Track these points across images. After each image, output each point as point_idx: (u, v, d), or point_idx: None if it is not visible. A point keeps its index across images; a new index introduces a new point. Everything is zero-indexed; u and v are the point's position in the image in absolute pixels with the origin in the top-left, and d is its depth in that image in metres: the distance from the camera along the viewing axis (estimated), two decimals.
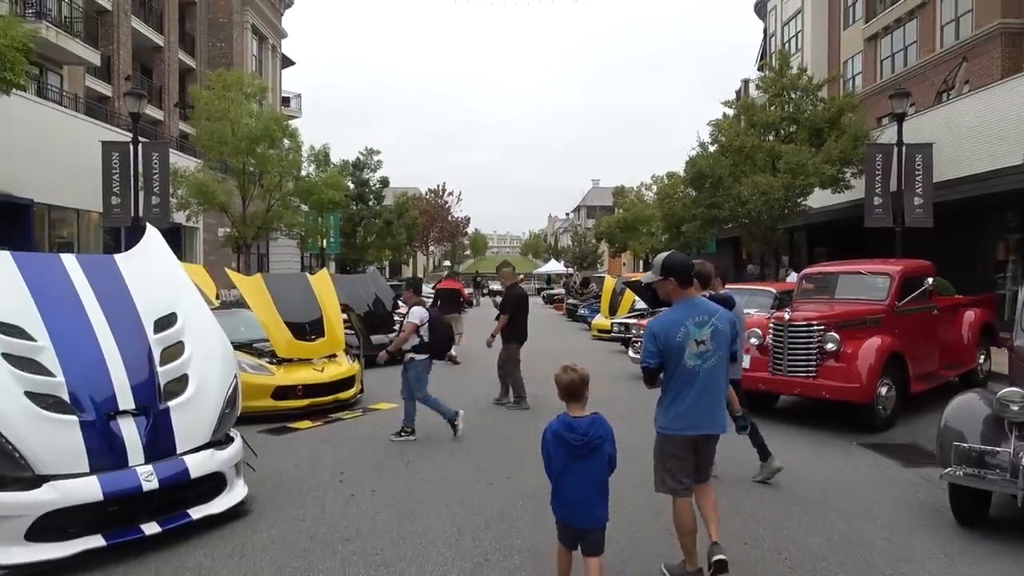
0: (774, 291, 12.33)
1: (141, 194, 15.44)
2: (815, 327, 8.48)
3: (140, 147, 15.17)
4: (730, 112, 23.52)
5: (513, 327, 10.07)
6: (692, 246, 26.35)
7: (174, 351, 5.40)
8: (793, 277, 18.32)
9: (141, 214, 15.42)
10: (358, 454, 7.38)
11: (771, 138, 22.23)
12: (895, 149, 15.79)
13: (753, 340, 9.15)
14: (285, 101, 48.08)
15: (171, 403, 5.12)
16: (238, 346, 9.60)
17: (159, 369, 5.20)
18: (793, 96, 21.91)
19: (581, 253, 70.19)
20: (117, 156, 15.53)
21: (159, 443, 4.93)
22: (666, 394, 4.16)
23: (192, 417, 5.19)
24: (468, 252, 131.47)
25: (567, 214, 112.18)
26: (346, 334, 12.57)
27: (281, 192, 23.05)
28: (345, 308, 13.26)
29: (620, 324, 16.44)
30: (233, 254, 25.18)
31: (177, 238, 28.02)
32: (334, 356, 9.95)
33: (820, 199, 22.37)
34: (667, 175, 33.96)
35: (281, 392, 8.92)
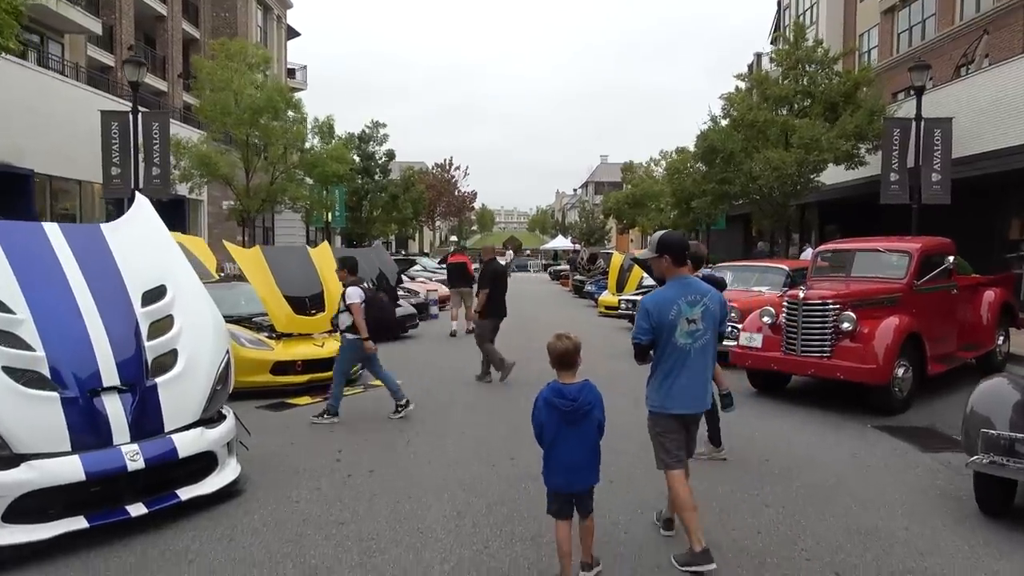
0: (787, 268, 12.05)
1: (141, 164, 15.15)
2: (830, 306, 8.20)
3: (140, 117, 14.86)
4: (743, 85, 23.02)
5: (489, 302, 9.79)
6: (702, 222, 26.01)
7: (163, 325, 5.16)
8: (808, 254, 17.99)
9: (142, 185, 15.15)
10: (357, 432, 7.17)
11: (784, 112, 21.76)
12: (913, 124, 15.36)
13: (766, 319, 8.89)
14: (291, 73, 47.49)
15: (159, 379, 4.89)
16: (237, 320, 9.43)
17: (147, 344, 4.97)
18: (808, 69, 21.39)
19: (588, 229, 69.73)
20: (117, 126, 15.23)
21: (146, 421, 4.71)
22: (657, 372, 4.21)
23: (181, 394, 4.97)
24: (475, 227, 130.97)
25: (575, 190, 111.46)
26: None
27: (285, 164, 22.74)
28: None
29: (627, 301, 16.18)
30: (239, 227, 24.93)
31: (181, 211, 27.75)
32: (335, 331, 9.71)
33: (833, 176, 21.93)
34: (676, 151, 33.46)
35: (280, 367, 8.72)
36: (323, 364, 9.03)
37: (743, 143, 21.06)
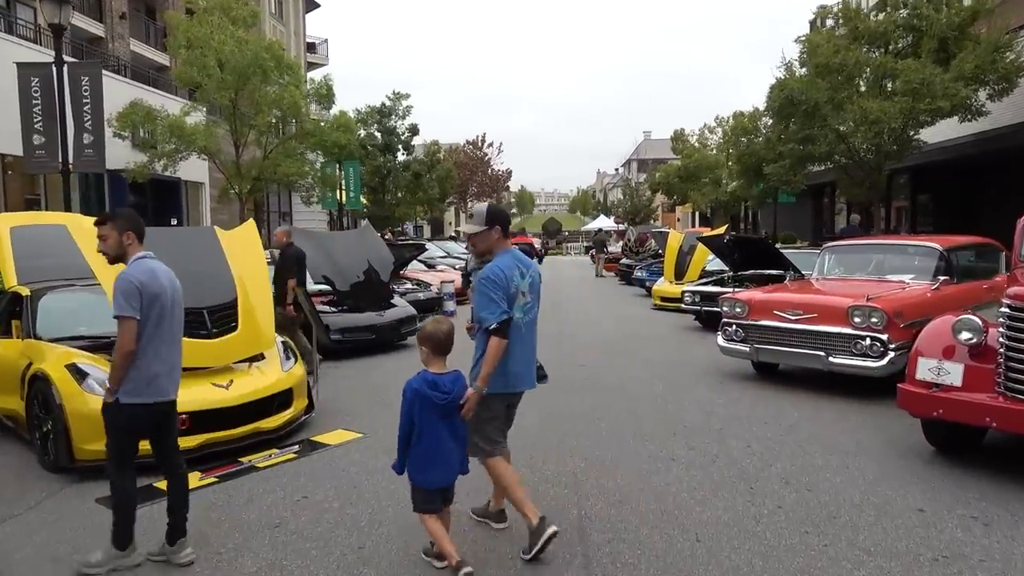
0: (939, 247, 8.25)
1: (70, 131, 11.96)
2: None
3: (65, 69, 11.64)
4: (811, 30, 18.81)
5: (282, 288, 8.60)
6: (774, 192, 21.99)
7: None
8: None
9: (71, 157, 12.00)
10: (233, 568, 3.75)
11: (879, 53, 17.61)
12: None
13: (966, 336, 5.15)
14: (310, 47, 44.53)
15: None
16: (96, 345, 6.07)
17: None
18: None
19: (633, 208, 65.68)
20: (37, 82, 12.07)
21: None
22: None
23: None
24: (515, 210, 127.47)
25: (616, 169, 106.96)
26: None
27: (278, 136, 19.48)
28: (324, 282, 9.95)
29: (695, 293, 12.49)
30: (248, 212, 21.57)
31: (176, 195, 24.89)
32: (260, 358, 6.33)
33: (930, 133, 17.81)
34: (734, 115, 29.27)
35: None
36: (227, 417, 5.62)
37: (829, 93, 17.00)
